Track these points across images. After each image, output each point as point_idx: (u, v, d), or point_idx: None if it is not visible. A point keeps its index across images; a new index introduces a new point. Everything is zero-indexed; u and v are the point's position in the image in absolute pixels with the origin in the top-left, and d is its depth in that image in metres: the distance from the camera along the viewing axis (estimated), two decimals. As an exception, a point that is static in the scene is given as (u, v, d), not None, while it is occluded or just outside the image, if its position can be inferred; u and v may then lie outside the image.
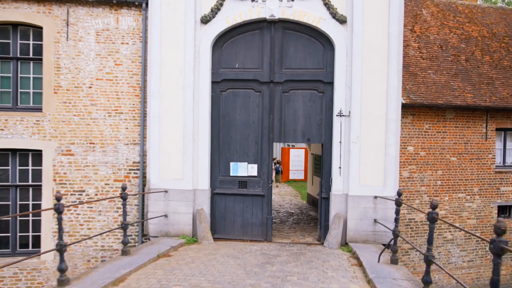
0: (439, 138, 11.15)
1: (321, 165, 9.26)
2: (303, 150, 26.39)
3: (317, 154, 15.30)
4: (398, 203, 6.97)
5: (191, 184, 9.02)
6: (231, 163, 9.35)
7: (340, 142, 8.84)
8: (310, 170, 16.75)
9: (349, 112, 8.76)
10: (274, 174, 21.75)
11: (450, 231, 11.34)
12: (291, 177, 25.96)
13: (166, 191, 9.01)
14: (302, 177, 25.65)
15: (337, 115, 8.85)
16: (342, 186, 8.87)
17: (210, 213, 9.32)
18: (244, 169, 9.31)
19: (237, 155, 9.34)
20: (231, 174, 9.35)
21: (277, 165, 23.73)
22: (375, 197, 8.66)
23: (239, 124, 9.30)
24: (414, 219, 11.08)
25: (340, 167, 8.83)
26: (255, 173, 9.30)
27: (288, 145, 34.42)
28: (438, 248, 11.18)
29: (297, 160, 25.89)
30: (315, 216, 12.90)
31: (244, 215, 9.32)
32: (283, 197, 18.53)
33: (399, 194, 7.01)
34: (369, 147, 8.72)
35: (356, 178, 8.72)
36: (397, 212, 7.04)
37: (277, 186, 22.19)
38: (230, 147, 9.34)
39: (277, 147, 40.41)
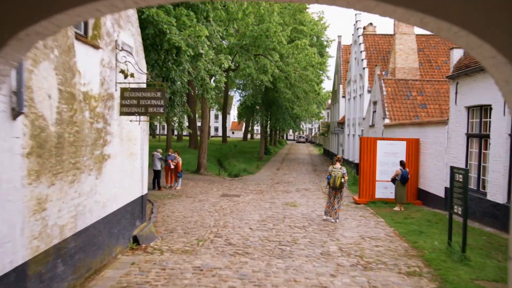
0: None
1: None
2: (404, 142, 13.35)
3: None
4: None
5: None
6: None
7: None
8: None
9: None
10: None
11: None
12: (379, 195, 13.08)
13: None
14: (401, 196, 12.58)
15: None
16: None
17: None
18: None
19: None
20: None
21: (401, 168, 11.90)
22: None
23: None
24: None
25: None
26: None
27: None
28: None
29: (392, 162, 12.90)
30: None
31: None
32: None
33: None
34: None
35: None
36: None
37: (401, 210, 11.71)
38: None
39: (350, 139, 27.10)
